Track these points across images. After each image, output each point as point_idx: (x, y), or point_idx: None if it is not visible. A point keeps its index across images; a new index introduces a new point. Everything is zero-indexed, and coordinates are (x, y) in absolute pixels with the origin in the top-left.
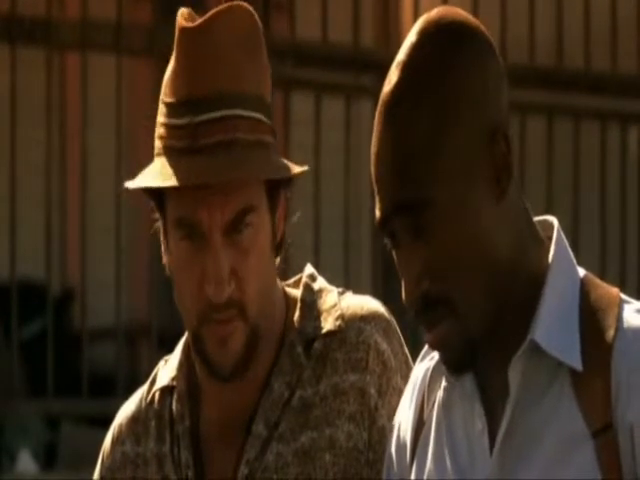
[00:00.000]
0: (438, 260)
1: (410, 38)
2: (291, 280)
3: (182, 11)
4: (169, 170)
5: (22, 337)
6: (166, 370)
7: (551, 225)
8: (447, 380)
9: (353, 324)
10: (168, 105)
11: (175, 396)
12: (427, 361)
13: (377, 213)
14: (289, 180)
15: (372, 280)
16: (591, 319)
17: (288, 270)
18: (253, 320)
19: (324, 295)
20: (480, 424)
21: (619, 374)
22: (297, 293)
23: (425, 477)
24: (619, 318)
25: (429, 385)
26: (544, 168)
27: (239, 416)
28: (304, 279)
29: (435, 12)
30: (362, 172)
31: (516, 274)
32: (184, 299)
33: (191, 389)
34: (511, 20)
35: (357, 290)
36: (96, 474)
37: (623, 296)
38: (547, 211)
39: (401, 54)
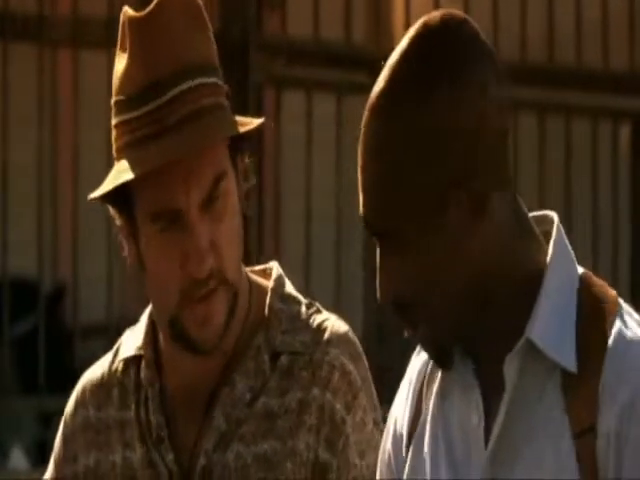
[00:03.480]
0: (411, 274)
1: (400, 49)
2: (255, 267)
3: (125, 9)
4: (138, 161)
5: (14, 334)
6: (131, 340)
7: (551, 221)
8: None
9: (320, 347)
10: (126, 100)
11: (143, 363)
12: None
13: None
14: (249, 143)
15: (363, 274)
16: (588, 320)
17: (280, 263)
18: (233, 283)
19: (293, 306)
20: (477, 417)
21: (609, 378)
22: (263, 282)
23: (420, 468)
24: (615, 321)
25: (430, 375)
26: (536, 164)
27: (202, 387)
28: (272, 282)
29: (431, 23)
30: (353, 168)
31: (505, 277)
32: (162, 287)
33: (156, 357)
34: (502, 17)
35: (349, 284)
36: (59, 434)
37: (620, 301)
38: (539, 207)
39: (392, 60)
